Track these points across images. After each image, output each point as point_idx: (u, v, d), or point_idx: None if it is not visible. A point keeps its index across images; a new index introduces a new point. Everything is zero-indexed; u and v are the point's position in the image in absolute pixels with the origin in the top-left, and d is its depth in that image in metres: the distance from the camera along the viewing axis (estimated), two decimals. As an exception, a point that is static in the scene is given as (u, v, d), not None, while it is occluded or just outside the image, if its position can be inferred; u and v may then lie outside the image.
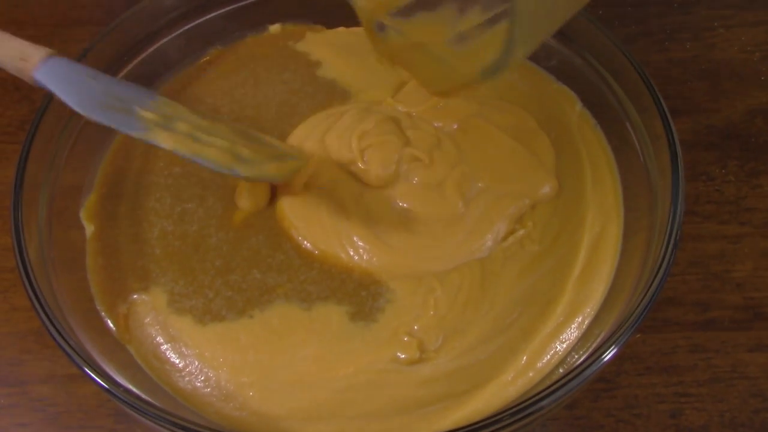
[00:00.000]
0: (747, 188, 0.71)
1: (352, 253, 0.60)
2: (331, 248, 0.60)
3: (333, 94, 0.71)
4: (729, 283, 0.66)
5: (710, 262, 0.67)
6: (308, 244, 0.61)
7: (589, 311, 0.58)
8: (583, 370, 0.48)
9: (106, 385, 0.49)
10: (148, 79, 0.73)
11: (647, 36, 0.82)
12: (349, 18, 0.76)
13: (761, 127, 0.75)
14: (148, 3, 0.71)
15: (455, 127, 0.66)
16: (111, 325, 0.59)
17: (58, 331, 0.51)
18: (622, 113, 0.64)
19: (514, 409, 0.48)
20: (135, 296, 0.60)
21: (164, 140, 0.55)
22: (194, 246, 0.62)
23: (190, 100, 0.72)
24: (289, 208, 0.63)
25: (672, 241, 0.53)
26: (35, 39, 0.82)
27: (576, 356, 0.55)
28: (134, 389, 0.52)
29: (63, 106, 0.64)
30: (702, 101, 0.77)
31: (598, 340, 0.54)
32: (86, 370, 0.49)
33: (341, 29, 0.77)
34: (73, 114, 0.65)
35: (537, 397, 0.48)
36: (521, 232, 0.61)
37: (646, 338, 0.63)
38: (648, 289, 0.51)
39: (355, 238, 0.60)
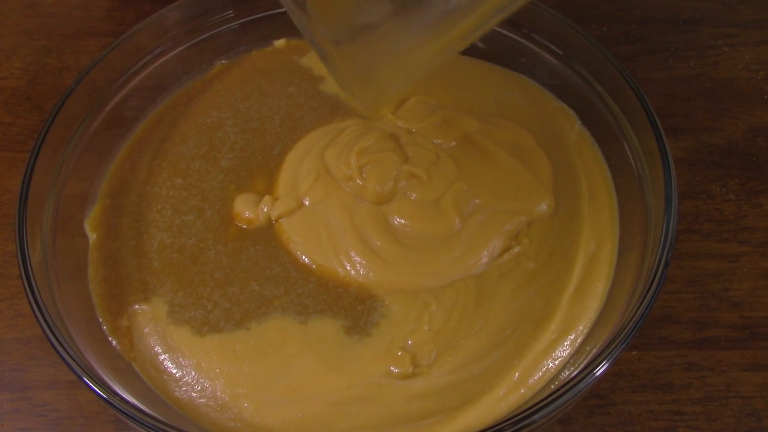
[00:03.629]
0: (747, 207, 0.71)
1: (348, 268, 0.61)
2: (328, 263, 0.61)
3: (336, 109, 0.72)
4: (726, 302, 0.66)
5: (708, 280, 0.67)
6: (306, 258, 0.62)
7: (581, 329, 0.58)
8: (574, 385, 0.49)
9: (103, 395, 0.50)
10: (155, 91, 0.74)
11: (651, 53, 0.83)
12: (352, 34, 0.77)
13: (763, 146, 0.75)
14: (157, 17, 0.72)
15: (454, 144, 0.67)
16: (115, 343, 0.60)
17: (57, 339, 0.52)
18: (620, 132, 0.65)
19: (507, 424, 0.48)
20: (136, 306, 0.61)
21: None
22: (192, 259, 0.63)
23: (196, 112, 0.73)
24: (288, 222, 0.64)
25: (663, 261, 0.53)
26: (47, 49, 0.85)
27: (568, 373, 0.55)
28: (132, 398, 0.52)
29: (72, 115, 0.66)
30: (704, 119, 0.77)
31: (590, 356, 0.54)
32: (85, 379, 0.50)
33: (345, 45, 0.78)
34: (81, 124, 0.67)
35: (529, 412, 0.48)
36: (517, 249, 0.62)
37: (642, 355, 0.63)
38: (638, 308, 0.51)
39: (352, 253, 0.61)
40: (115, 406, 0.49)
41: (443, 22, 0.52)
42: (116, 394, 0.50)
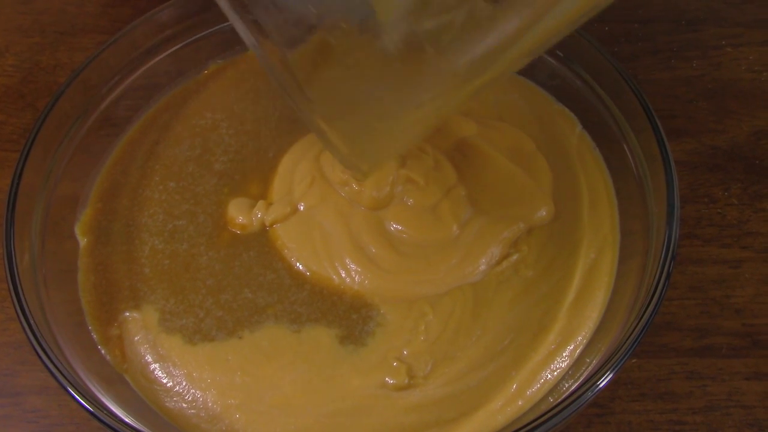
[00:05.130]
0: (750, 212, 0.70)
1: (344, 275, 0.60)
2: (322, 270, 0.60)
3: (333, 111, 0.71)
4: (728, 309, 0.65)
5: (710, 286, 0.66)
6: (300, 265, 0.61)
7: (581, 339, 0.57)
8: (576, 399, 0.48)
9: (89, 407, 0.49)
10: (149, 91, 0.73)
11: (654, 53, 0.81)
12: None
13: (767, 149, 0.74)
14: (151, 15, 0.71)
15: (453, 148, 0.66)
16: (104, 352, 0.59)
17: (41, 346, 0.51)
18: (620, 135, 0.64)
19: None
20: (126, 314, 0.60)
21: None
22: (184, 265, 0.62)
23: (190, 113, 0.72)
24: (282, 228, 0.63)
25: (665, 273, 0.52)
26: (41, 46, 0.84)
27: (567, 385, 0.54)
28: (121, 409, 0.52)
29: (64, 114, 0.64)
30: (707, 121, 0.76)
31: (590, 368, 0.53)
32: (69, 389, 0.49)
33: (341, 44, 0.76)
34: (74, 123, 0.66)
35: (532, 425, 0.48)
36: (516, 256, 0.61)
37: (642, 363, 0.62)
38: (639, 321, 0.50)
39: (347, 261, 0.60)
40: (99, 419, 0.48)
41: (452, 89, 0.47)
42: (102, 406, 0.49)
